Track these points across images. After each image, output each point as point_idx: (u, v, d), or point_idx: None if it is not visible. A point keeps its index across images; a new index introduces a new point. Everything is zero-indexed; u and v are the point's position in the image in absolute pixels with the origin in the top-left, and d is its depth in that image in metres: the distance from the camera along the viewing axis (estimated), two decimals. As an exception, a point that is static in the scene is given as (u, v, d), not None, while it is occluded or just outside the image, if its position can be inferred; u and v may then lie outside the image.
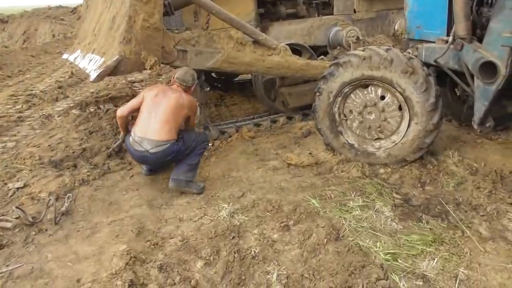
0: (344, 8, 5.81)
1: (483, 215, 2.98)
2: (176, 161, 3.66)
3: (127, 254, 2.62)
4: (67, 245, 2.81)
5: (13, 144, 4.98)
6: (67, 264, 2.63)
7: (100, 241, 2.84)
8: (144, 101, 3.55)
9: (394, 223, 2.94)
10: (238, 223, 3.05)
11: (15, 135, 5.39)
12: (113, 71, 3.63)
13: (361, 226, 2.92)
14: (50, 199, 3.08)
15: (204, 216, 3.20)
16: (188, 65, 4.12)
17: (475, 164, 3.68)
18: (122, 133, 3.84)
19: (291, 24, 5.47)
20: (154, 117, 3.47)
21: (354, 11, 5.93)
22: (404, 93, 3.55)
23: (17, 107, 7.14)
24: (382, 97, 3.75)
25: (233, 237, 2.90)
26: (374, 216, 3.04)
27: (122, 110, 3.65)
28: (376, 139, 3.89)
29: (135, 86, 7.85)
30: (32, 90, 8.55)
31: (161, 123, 3.47)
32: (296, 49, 5.14)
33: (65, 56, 6.54)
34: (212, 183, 3.74)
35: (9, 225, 2.93)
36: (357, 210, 3.12)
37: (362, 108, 3.83)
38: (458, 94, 4.59)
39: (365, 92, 3.79)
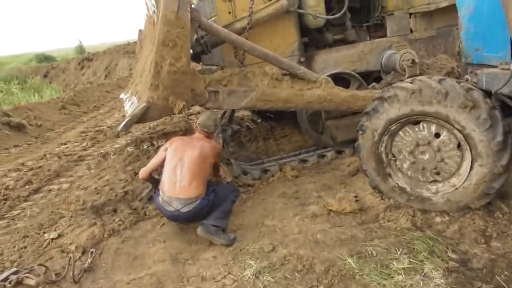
0: (399, 28, 5.29)
1: None
2: (209, 214, 3.48)
3: (137, 323, 2.45)
4: (81, 308, 2.72)
5: (67, 186, 5.19)
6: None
7: (114, 305, 2.70)
8: (167, 156, 3.47)
9: (445, 295, 2.43)
10: (262, 286, 2.74)
11: (71, 176, 5.63)
12: (140, 118, 3.57)
13: (403, 297, 2.45)
14: (70, 256, 3.05)
15: (228, 275, 2.94)
16: (221, 106, 3.97)
17: (559, 213, 3.00)
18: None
19: (339, 51, 5.08)
20: (180, 173, 3.37)
21: (411, 31, 5.38)
22: (464, 131, 3.01)
23: (83, 144, 7.57)
24: (437, 135, 3.22)
25: (254, 304, 2.60)
26: (421, 283, 2.54)
27: (143, 172, 3.67)
28: (432, 181, 3.36)
29: (191, 119, 7.92)
30: (100, 126, 9.06)
31: (188, 180, 3.35)
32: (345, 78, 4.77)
33: (121, 95, 6.79)
34: (244, 233, 3.47)
35: (32, 282, 2.93)
36: (401, 274, 2.64)
37: (414, 147, 3.33)
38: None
39: (416, 129, 3.29)
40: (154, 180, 3.80)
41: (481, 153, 2.98)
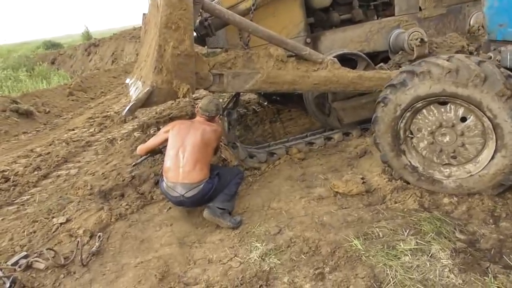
0: (408, 6, 5.15)
1: None
2: (214, 198, 3.49)
3: (144, 305, 2.47)
4: (89, 291, 2.75)
5: (75, 171, 5.23)
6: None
7: (122, 288, 2.73)
8: (168, 141, 3.49)
9: (452, 275, 2.40)
10: (268, 268, 2.74)
11: (79, 161, 5.67)
12: (145, 102, 3.55)
13: (409, 277, 2.43)
14: (78, 241, 3.08)
15: (234, 257, 2.94)
16: (225, 89, 3.93)
17: None
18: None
19: (346, 31, 4.98)
20: (183, 158, 3.39)
21: (420, 9, 5.24)
22: (494, 120, 2.85)
23: (91, 130, 7.60)
24: (463, 119, 3.07)
25: (260, 286, 2.60)
26: (428, 264, 2.52)
27: (141, 149, 3.81)
28: (445, 164, 3.26)
29: (197, 103, 7.87)
30: (107, 112, 9.08)
31: (191, 165, 3.38)
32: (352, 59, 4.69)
33: (127, 80, 6.76)
34: (250, 216, 3.48)
35: (41, 266, 2.96)
36: (408, 255, 2.62)
37: (436, 127, 3.19)
38: None
39: (442, 110, 3.13)
40: (152, 152, 3.91)
41: (508, 144, 2.85)
